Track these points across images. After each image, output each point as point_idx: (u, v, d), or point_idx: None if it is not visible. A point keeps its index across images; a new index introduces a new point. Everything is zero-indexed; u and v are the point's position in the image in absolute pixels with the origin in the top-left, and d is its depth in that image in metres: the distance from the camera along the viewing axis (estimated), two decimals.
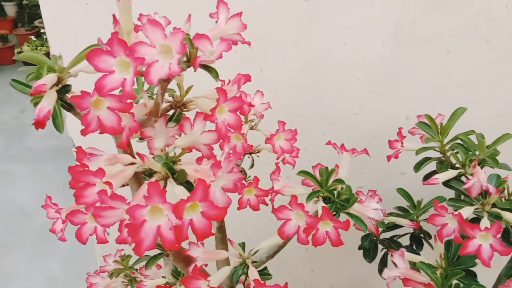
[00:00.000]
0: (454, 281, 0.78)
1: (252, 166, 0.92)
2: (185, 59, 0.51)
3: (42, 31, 4.66)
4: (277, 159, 0.84)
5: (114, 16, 0.52)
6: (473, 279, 0.79)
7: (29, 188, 2.78)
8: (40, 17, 5.29)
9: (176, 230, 0.45)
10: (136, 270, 1.00)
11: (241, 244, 0.71)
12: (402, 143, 0.89)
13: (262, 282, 0.63)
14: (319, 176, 0.78)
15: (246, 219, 1.33)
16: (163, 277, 0.96)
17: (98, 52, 0.45)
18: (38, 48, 4.37)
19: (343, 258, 1.34)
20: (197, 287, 0.61)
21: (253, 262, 0.68)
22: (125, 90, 0.45)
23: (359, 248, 1.02)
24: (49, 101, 0.51)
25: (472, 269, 0.82)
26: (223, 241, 0.94)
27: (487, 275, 0.86)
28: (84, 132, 0.50)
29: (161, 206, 0.45)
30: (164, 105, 0.62)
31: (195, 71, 0.50)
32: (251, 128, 0.89)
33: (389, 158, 0.93)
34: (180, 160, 0.55)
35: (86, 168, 0.49)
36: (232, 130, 0.57)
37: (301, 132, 1.12)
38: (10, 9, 5.65)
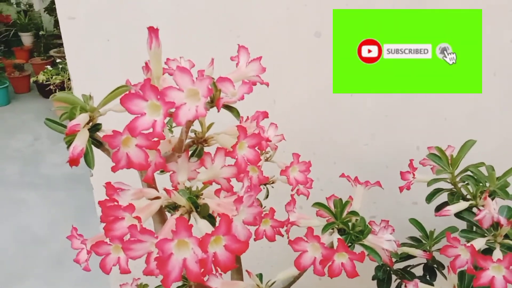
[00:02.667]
0: None
1: (266, 196, 0.94)
2: (209, 100, 0.55)
3: (57, 60, 4.80)
4: (292, 190, 0.86)
5: (146, 63, 0.56)
6: None
7: (42, 214, 2.82)
8: (56, 47, 5.46)
9: (201, 263, 0.47)
10: None
11: (258, 275, 0.73)
12: (414, 174, 0.91)
13: None
14: (334, 207, 0.80)
15: (260, 248, 1.34)
16: None
17: (131, 97, 0.48)
18: (53, 76, 4.49)
19: (357, 287, 1.34)
20: None
21: None
22: (156, 131, 0.49)
23: (373, 279, 1.03)
24: (82, 140, 0.55)
25: None
26: (238, 272, 0.95)
27: None
28: (114, 169, 0.54)
29: (187, 240, 0.47)
30: (187, 141, 0.65)
31: (218, 111, 0.53)
32: (266, 160, 0.92)
33: (401, 189, 0.95)
34: (202, 194, 0.58)
35: (116, 203, 0.52)
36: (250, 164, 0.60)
37: (313, 161, 1.15)
38: (27, 39, 5.85)
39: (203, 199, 0.57)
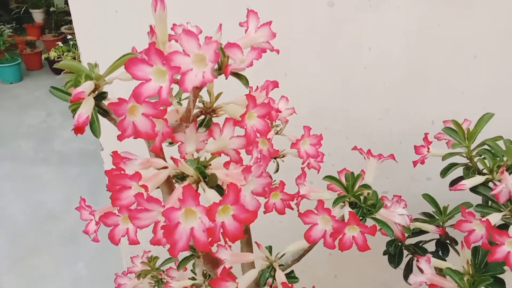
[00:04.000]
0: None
1: (277, 170, 0.93)
2: (216, 67, 0.53)
3: (68, 37, 4.79)
4: (303, 164, 0.85)
5: (151, 26, 0.54)
6: (501, 286, 0.78)
7: (56, 190, 2.86)
8: (67, 23, 5.45)
9: (209, 232, 0.46)
10: (163, 271, 1.02)
11: (268, 247, 0.72)
12: (428, 148, 0.89)
13: (290, 285, 0.64)
14: (345, 181, 0.78)
15: (270, 222, 1.34)
16: (190, 278, 0.98)
17: (136, 61, 0.47)
18: (65, 53, 4.49)
19: (367, 263, 1.34)
20: None
21: (279, 265, 0.69)
22: (161, 97, 0.47)
23: (384, 254, 1.02)
24: (87, 108, 0.53)
25: (501, 277, 0.81)
26: (248, 244, 0.95)
27: None
28: (120, 138, 0.53)
29: (194, 209, 0.46)
30: (195, 111, 0.64)
31: (226, 78, 0.51)
32: (277, 133, 0.90)
33: (415, 163, 0.92)
34: (210, 165, 0.57)
35: (123, 172, 0.51)
36: (260, 136, 0.59)
37: (325, 136, 1.13)
38: (38, 16, 5.83)
39: (211, 169, 0.56)
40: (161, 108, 0.53)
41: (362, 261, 1.33)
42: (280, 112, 0.73)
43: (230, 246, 0.72)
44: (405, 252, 1.02)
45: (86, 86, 0.55)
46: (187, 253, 0.75)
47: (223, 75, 0.54)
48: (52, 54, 4.49)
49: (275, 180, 0.93)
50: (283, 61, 1.16)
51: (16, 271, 2.26)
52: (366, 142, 1.21)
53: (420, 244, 1.01)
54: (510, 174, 0.82)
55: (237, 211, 0.48)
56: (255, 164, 0.52)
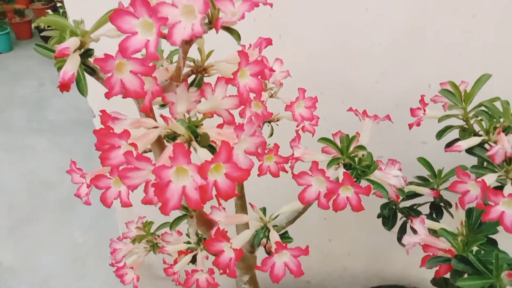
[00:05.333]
0: (475, 248, 0.78)
1: (271, 134, 0.92)
2: (206, 21, 0.51)
3: (58, 5, 4.65)
4: (297, 126, 0.83)
5: None
6: (494, 247, 0.79)
7: (50, 160, 2.84)
8: None
9: (201, 190, 0.45)
10: (158, 236, 1.02)
11: (262, 209, 0.72)
12: (425, 110, 0.88)
13: (284, 244, 0.63)
14: (340, 143, 0.77)
15: (265, 188, 1.34)
16: (185, 242, 0.99)
17: (121, 13, 0.45)
18: None
19: (361, 227, 1.35)
20: (219, 249, 0.62)
21: (273, 226, 0.69)
22: (148, 51, 0.45)
23: (378, 216, 1.02)
24: (72, 64, 0.51)
25: (494, 237, 0.81)
26: (243, 208, 0.95)
27: (507, 241, 0.85)
28: (108, 95, 0.51)
29: (186, 167, 0.45)
30: (186, 70, 0.61)
31: (217, 32, 0.49)
32: (271, 96, 0.88)
33: (410, 126, 0.91)
34: (202, 124, 0.55)
35: (111, 131, 0.50)
36: (254, 95, 0.57)
37: (320, 101, 1.11)
38: None
39: (203, 129, 0.54)
40: (150, 65, 0.51)
41: (356, 224, 1.35)
42: (273, 71, 0.71)
43: (224, 208, 0.72)
44: (399, 215, 1.02)
45: (71, 42, 0.53)
46: (180, 213, 0.74)
47: (213, 32, 0.52)
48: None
49: (269, 144, 0.92)
50: (278, 24, 1.13)
51: (12, 240, 2.27)
52: (362, 105, 1.19)
53: (415, 207, 1.02)
54: (506, 135, 0.81)
55: (229, 169, 0.47)
56: (248, 122, 0.50)
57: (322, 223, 1.38)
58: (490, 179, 0.75)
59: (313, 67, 1.18)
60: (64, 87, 0.49)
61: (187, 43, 0.52)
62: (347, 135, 0.78)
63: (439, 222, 0.97)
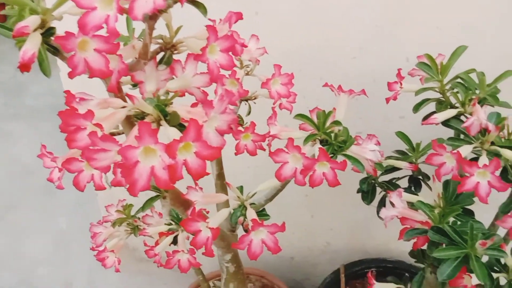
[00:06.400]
0: (452, 219, 0.79)
1: (249, 113, 0.90)
2: None
3: None
4: (274, 104, 0.82)
5: None
6: (470, 217, 0.80)
7: (30, 145, 2.78)
8: None
9: (170, 170, 0.44)
10: (139, 218, 1.01)
11: (239, 187, 0.71)
12: (401, 84, 0.87)
13: (260, 221, 0.63)
14: (316, 119, 0.77)
15: (246, 168, 1.33)
16: (166, 224, 0.98)
17: None
18: None
19: (342, 202, 1.36)
20: (196, 229, 0.62)
21: (251, 204, 0.69)
22: (109, 27, 0.43)
23: (358, 192, 1.03)
24: (33, 44, 0.49)
25: (471, 208, 0.83)
26: (223, 188, 0.95)
27: (485, 214, 0.87)
28: (71, 75, 0.49)
29: (153, 147, 0.44)
30: (154, 47, 0.60)
31: (182, 5, 0.47)
32: (247, 74, 0.87)
33: (387, 100, 0.91)
34: (172, 103, 0.54)
35: (76, 112, 0.48)
36: (225, 72, 0.56)
37: (299, 78, 1.10)
38: None
39: (173, 107, 0.53)
40: (115, 42, 0.49)
41: (338, 200, 1.36)
42: (245, 46, 0.69)
43: (201, 188, 0.71)
44: (379, 190, 1.03)
45: (31, 21, 0.50)
46: (153, 194, 0.74)
47: (186, 7, 0.50)
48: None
49: (247, 123, 0.91)
50: (253, 0, 1.10)
51: None
52: (341, 82, 1.18)
53: (393, 181, 1.03)
54: (482, 106, 0.81)
55: (199, 147, 0.46)
56: (219, 100, 0.49)
57: (304, 200, 1.39)
58: (466, 150, 0.75)
59: (291, 43, 1.16)
60: (24, 67, 0.47)
61: (152, 18, 0.50)
62: (324, 111, 0.77)
63: (417, 195, 0.98)
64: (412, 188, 1.00)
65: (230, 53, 0.57)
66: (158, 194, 0.73)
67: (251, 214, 0.65)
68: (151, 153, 0.45)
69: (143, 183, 0.44)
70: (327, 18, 1.12)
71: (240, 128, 0.81)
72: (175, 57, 0.62)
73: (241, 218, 0.66)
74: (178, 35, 0.61)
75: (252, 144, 0.79)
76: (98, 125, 0.46)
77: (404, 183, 1.04)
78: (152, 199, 0.73)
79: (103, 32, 0.46)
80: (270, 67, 0.87)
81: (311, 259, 1.53)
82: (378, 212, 1.00)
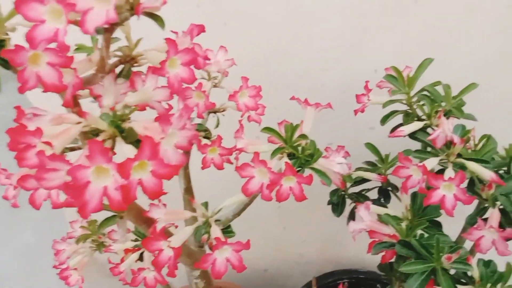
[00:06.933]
0: (419, 232, 0.79)
1: (217, 125, 0.89)
2: (128, 7, 0.47)
3: None
4: (241, 116, 0.81)
5: None
6: (437, 229, 0.80)
7: None
8: None
9: (123, 190, 0.42)
10: (104, 234, 0.98)
11: (204, 203, 0.69)
12: (369, 96, 0.88)
13: (224, 239, 0.61)
14: (284, 132, 0.76)
15: (215, 182, 1.31)
16: (133, 240, 0.95)
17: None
18: None
19: (314, 213, 1.35)
20: (157, 249, 0.59)
21: (216, 220, 0.67)
22: (59, 41, 0.41)
23: (328, 203, 1.03)
24: None
25: (440, 220, 0.83)
26: (191, 203, 0.92)
27: (453, 225, 0.87)
28: (21, 90, 0.46)
29: (105, 166, 0.42)
30: (113, 60, 0.58)
31: (138, 18, 0.46)
32: (215, 86, 0.85)
33: (355, 112, 0.91)
34: (129, 118, 0.52)
35: (25, 129, 0.45)
36: (187, 85, 0.54)
37: (270, 89, 1.09)
38: None
39: (130, 123, 0.51)
40: (68, 56, 0.47)
41: (310, 212, 1.35)
42: (208, 59, 0.68)
43: (165, 205, 0.69)
44: (349, 201, 1.03)
45: None
46: (110, 214, 0.71)
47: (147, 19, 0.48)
48: None
49: (215, 136, 0.89)
50: (223, 10, 1.09)
51: None
52: (312, 93, 1.18)
53: (363, 193, 1.03)
54: (448, 118, 0.82)
55: (155, 166, 0.44)
56: (177, 115, 0.47)
57: (276, 212, 1.38)
58: (432, 163, 0.76)
59: (260, 54, 1.16)
60: None
61: (107, 31, 0.48)
62: (291, 123, 0.76)
63: (386, 206, 0.98)
64: (382, 199, 1.00)
65: (193, 66, 0.55)
66: (115, 214, 0.70)
67: (215, 231, 0.63)
68: (103, 172, 0.42)
69: (94, 205, 0.42)
70: (295, 28, 1.12)
71: (207, 141, 0.80)
72: (140, 69, 0.60)
73: (205, 236, 0.64)
74: (140, 47, 0.59)
75: (219, 158, 0.78)
76: (47, 143, 0.43)
77: (374, 194, 1.04)
78: (108, 220, 0.71)
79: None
80: (240, 78, 0.86)
81: (284, 271, 1.51)
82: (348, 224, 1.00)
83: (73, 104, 0.53)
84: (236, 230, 0.81)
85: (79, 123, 0.51)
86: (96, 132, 0.51)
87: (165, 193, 0.45)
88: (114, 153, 0.46)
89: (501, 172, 0.89)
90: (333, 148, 0.99)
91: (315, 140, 0.80)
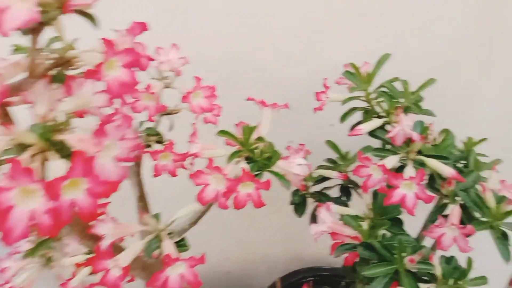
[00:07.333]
0: (383, 231, 0.77)
1: (171, 128, 0.84)
2: (57, 5, 0.42)
3: None
4: (196, 118, 0.77)
5: None
6: (399, 228, 0.79)
7: None
8: None
9: (54, 213, 0.37)
10: (53, 248, 0.91)
11: (155, 215, 0.64)
12: (327, 94, 0.85)
13: (177, 255, 0.57)
14: (242, 134, 0.72)
15: (173, 187, 1.26)
16: (85, 253, 0.89)
17: None
18: None
19: (278, 212, 1.32)
20: (103, 268, 0.55)
21: (169, 233, 0.62)
22: None
23: (291, 204, 1.00)
24: None
25: (402, 217, 0.82)
26: (146, 210, 0.87)
27: (416, 221, 0.87)
28: None
29: (32, 187, 0.37)
30: (47, 62, 0.52)
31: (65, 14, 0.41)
32: (166, 87, 0.80)
33: (315, 110, 0.89)
34: (65, 129, 0.47)
35: None
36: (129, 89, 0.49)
37: (228, 88, 1.05)
38: None
39: (65, 134, 0.45)
40: None
41: (273, 211, 1.32)
42: (152, 59, 0.62)
43: (113, 218, 0.64)
44: (311, 200, 1.01)
45: None
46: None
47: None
48: None
49: (169, 140, 0.84)
50: (179, 6, 1.04)
51: None
52: (272, 90, 1.16)
53: (325, 191, 1.00)
54: (406, 115, 0.81)
55: (90, 184, 0.39)
56: (115, 125, 0.43)
57: (238, 212, 1.34)
58: (392, 161, 0.74)
59: (218, 52, 1.11)
60: None
61: (34, 31, 0.43)
62: (248, 125, 0.73)
63: (348, 204, 0.97)
64: (343, 197, 0.99)
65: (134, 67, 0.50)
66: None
67: (167, 246, 0.59)
68: (29, 194, 0.37)
69: (20, 232, 0.37)
70: (253, 24, 1.08)
71: (159, 146, 0.75)
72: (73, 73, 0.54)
73: (156, 252, 0.60)
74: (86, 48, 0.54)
75: (172, 164, 0.73)
76: None
77: (336, 192, 1.02)
78: (41, 244, 0.65)
79: None
80: (202, 76, 0.82)
81: (249, 271, 1.48)
82: (310, 224, 0.98)
83: (2, 115, 0.48)
84: (197, 233, 0.77)
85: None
86: (23, 146, 0.45)
87: (102, 214, 0.40)
88: (43, 171, 0.41)
89: (460, 165, 0.90)
90: (294, 147, 0.97)
91: (275, 138, 0.77)
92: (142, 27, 0.54)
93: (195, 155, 0.69)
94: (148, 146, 0.77)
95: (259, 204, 0.63)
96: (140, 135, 0.80)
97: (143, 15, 1.02)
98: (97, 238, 0.61)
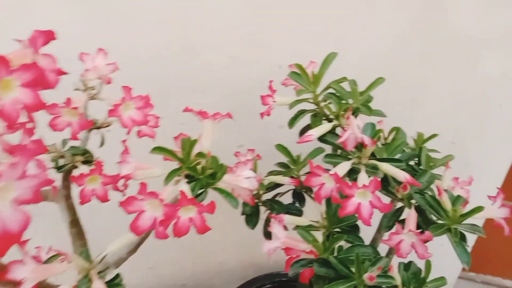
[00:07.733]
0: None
1: (102, 144, 0.75)
2: None
3: None
4: (128, 134, 0.68)
5: None
6: (356, 235, 0.75)
7: None
8: None
9: None
10: None
11: (84, 250, 0.56)
12: (274, 97, 0.80)
13: None
14: (182, 149, 0.65)
15: (110, 213, 1.16)
16: None
17: None
18: None
19: (231, 219, 1.26)
20: None
21: (99, 272, 0.54)
22: None
23: (242, 214, 0.94)
24: None
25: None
26: (80, 237, 0.78)
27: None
28: None
29: None
30: None
31: None
32: (92, 98, 0.71)
33: (262, 115, 0.83)
34: None
35: None
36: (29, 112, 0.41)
37: (168, 93, 0.97)
38: None
39: None
40: None
41: (225, 220, 1.26)
42: (64, 73, 0.54)
43: (34, 257, 0.55)
44: (263, 209, 0.95)
45: None
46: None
47: None
48: None
49: (98, 157, 0.75)
50: (107, 4, 0.94)
51: None
52: (215, 93, 1.09)
53: (277, 198, 0.95)
54: (356, 117, 0.77)
55: None
56: (9, 164, 0.34)
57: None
58: (344, 169, 0.70)
59: (155, 54, 1.02)
60: None
61: None
62: (189, 138, 0.65)
63: (302, 210, 0.92)
64: (296, 203, 0.94)
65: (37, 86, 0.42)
66: None
67: None
68: None
69: None
70: (192, 24, 1.01)
71: (86, 168, 0.66)
72: None
73: None
74: None
75: (102, 188, 0.64)
76: None
77: (288, 198, 0.97)
78: None
79: None
80: (133, 83, 0.73)
81: (205, 282, 1.41)
82: (264, 234, 0.93)
83: None
84: (146, 243, 0.69)
85: None
86: None
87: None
88: None
89: (412, 163, 0.87)
90: (243, 153, 0.91)
91: (222, 143, 0.70)
92: (47, 36, 0.45)
93: (127, 177, 0.61)
94: (75, 167, 0.68)
95: (203, 230, 0.56)
96: (66, 154, 0.70)
97: (66, 17, 0.92)
98: (16, 283, 0.52)
